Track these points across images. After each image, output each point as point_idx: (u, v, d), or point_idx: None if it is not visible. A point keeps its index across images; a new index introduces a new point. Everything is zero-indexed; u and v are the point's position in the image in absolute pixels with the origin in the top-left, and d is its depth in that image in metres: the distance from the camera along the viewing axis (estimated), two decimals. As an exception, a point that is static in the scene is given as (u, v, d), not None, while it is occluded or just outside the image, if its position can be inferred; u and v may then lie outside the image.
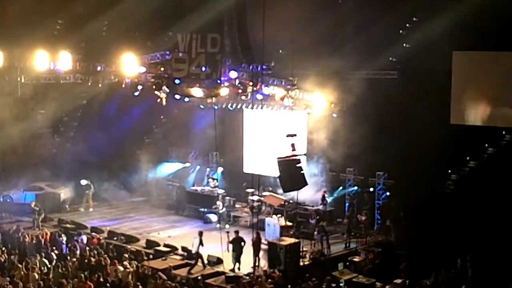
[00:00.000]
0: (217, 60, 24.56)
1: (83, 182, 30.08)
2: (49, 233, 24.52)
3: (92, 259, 21.18)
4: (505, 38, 24.33)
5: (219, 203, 27.55)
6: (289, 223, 24.53)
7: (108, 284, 19.02)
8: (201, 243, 21.96)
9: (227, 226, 26.57)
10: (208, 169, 31.16)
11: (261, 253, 22.30)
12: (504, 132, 26.08)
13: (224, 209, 27.56)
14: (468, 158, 26.44)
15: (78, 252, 22.33)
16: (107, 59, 26.38)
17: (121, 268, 20.36)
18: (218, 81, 25.59)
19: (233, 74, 25.87)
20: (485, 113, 25.97)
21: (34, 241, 23.37)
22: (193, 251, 22.21)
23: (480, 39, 24.79)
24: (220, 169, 30.94)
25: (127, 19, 29.14)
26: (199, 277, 20.58)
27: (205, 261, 22.14)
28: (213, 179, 29.89)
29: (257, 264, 21.91)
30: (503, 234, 22.70)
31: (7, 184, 30.41)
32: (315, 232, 24.07)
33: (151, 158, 32.70)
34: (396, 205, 26.05)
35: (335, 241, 24.59)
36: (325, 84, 26.99)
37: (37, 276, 19.36)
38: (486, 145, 26.30)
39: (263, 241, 23.19)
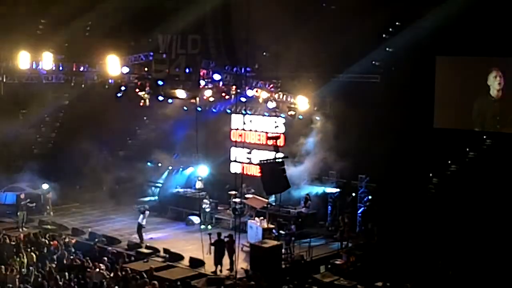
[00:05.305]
0: (197, 61, 24.50)
1: (44, 186, 29.54)
2: (30, 234, 24.29)
3: (76, 260, 21.02)
4: (486, 42, 24.58)
5: (206, 201, 27.45)
6: (271, 225, 24.54)
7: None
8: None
9: (209, 227, 26.52)
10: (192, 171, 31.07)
11: (243, 255, 22.27)
12: (485, 137, 26.29)
13: (209, 209, 27.40)
14: (449, 161, 26.61)
15: (58, 253, 22.13)
16: (90, 59, 26.23)
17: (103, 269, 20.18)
18: (199, 83, 25.55)
19: (216, 76, 25.85)
20: (467, 117, 26.22)
21: (13, 242, 23.12)
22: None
23: (462, 43, 25.04)
24: (201, 172, 30.81)
25: (111, 20, 29.03)
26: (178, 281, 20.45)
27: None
28: (200, 180, 29.83)
29: (234, 266, 21.73)
30: (483, 237, 22.90)
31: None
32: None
33: (134, 159, 32.56)
34: (378, 208, 26.18)
35: (317, 244, 24.61)
36: (309, 87, 27.08)
37: (16, 278, 19.16)
38: (468, 149, 26.49)
39: (244, 243, 23.18)
